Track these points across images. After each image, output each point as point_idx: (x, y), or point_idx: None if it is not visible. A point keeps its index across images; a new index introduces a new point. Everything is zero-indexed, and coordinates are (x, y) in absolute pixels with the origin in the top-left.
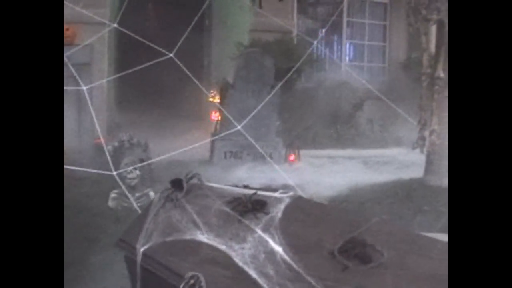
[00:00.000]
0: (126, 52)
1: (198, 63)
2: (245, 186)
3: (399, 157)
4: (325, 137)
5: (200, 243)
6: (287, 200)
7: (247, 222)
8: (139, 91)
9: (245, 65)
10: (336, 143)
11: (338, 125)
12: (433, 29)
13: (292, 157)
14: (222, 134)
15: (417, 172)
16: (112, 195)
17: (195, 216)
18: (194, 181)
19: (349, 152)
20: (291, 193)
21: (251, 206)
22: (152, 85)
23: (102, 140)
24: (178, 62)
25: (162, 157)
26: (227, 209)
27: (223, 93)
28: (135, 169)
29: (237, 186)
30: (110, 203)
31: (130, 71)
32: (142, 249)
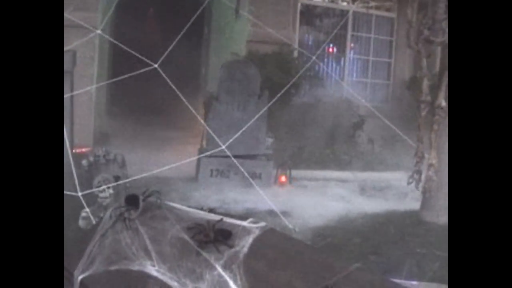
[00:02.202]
0: (119, 58)
1: (195, 72)
2: (211, 210)
3: (397, 182)
4: (321, 157)
5: (149, 277)
6: (257, 232)
7: (206, 255)
8: (131, 100)
9: (228, 75)
10: (332, 164)
11: (335, 145)
12: (437, 52)
13: (283, 178)
14: (208, 153)
15: (414, 203)
16: (83, 214)
17: (147, 242)
18: (153, 199)
19: (345, 174)
20: (261, 224)
21: (213, 236)
22: (145, 95)
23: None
24: (162, 73)
25: (140, 176)
26: (186, 237)
27: (207, 106)
28: (108, 187)
29: (202, 208)
30: (80, 223)
31: (116, 79)
32: (80, 277)
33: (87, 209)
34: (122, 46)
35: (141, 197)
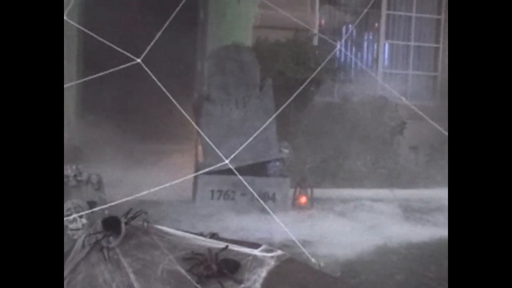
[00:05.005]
0: (92, 52)
1: (189, 67)
2: (213, 235)
3: None
4: (350, 171)
5: None
6: (272, 263)
7: None
8: (108, 104)
9: (218, 67)
10: (365, 180)
11: (369, 156)
12: None
13: (302, 199)
14: (207, 170)
15: None
16: None
17: (132, 277)
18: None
19: (382, 193)
20: (277, 253)
21: (216, 269)
22: (125, 97)
23: None
24: (147, 70)
25: (121, 200)
26: (182, 270)
27: (197, 108)
28: (80, 217)
29: (201, 234)
30: None
31: (89, 77)
32: None
33: None
34: (95, 36)
35: (123, 220)
